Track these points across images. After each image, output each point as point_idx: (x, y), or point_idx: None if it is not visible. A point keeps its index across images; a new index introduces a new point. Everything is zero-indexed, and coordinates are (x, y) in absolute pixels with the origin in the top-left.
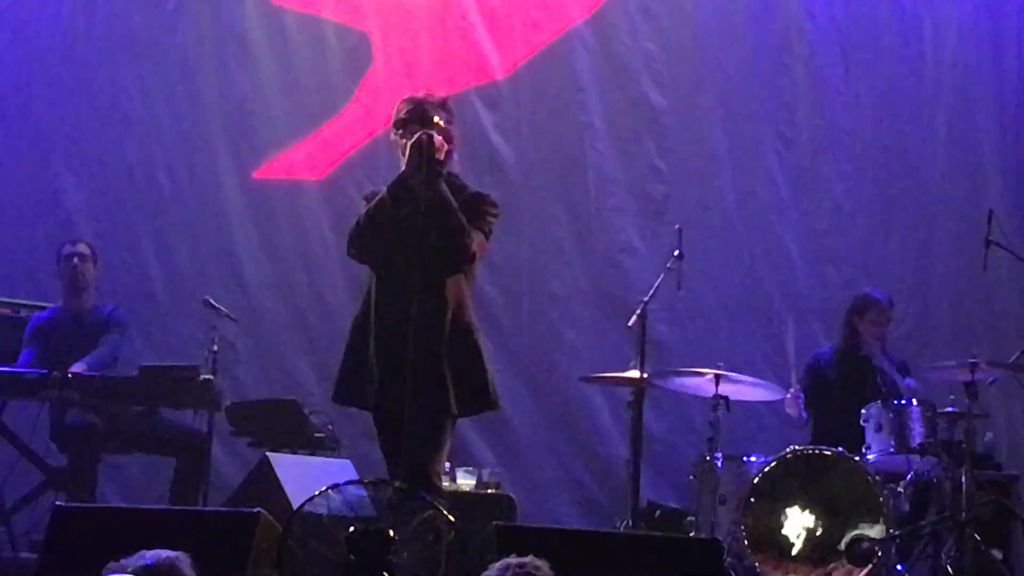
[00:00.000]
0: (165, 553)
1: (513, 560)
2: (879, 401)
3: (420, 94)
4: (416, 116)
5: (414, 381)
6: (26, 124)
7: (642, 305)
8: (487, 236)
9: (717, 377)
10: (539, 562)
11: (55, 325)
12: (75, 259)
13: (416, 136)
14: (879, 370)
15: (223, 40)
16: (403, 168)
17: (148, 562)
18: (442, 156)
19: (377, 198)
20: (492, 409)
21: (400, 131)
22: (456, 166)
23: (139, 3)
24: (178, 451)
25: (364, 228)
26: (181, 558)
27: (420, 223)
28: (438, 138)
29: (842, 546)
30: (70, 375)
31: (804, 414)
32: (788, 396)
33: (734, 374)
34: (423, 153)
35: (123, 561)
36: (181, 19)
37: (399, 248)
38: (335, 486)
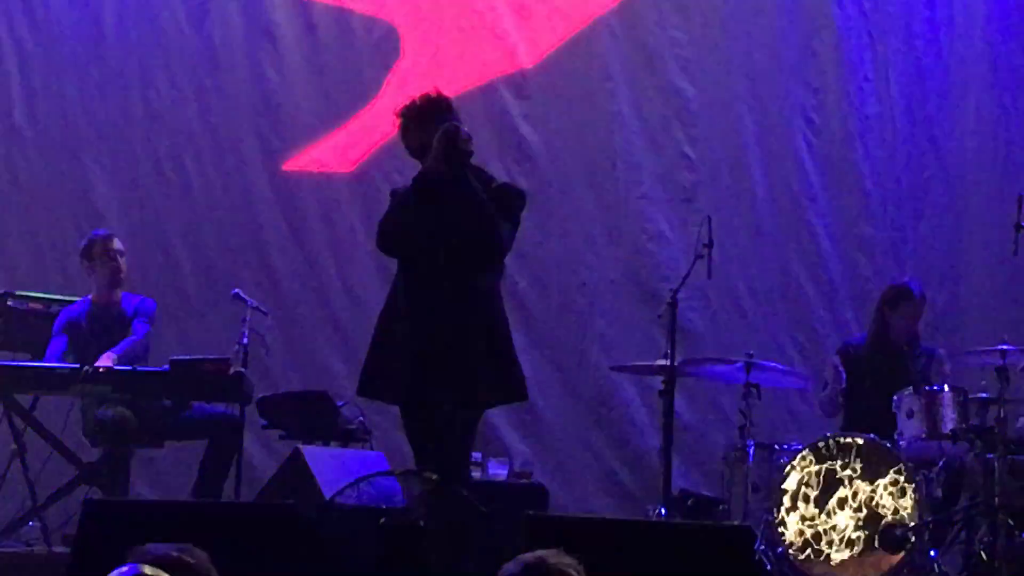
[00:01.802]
0: (176, 547)
1: (529, 557)
2: (910, 387)
3: (419, 99)
4: (423, 122)
5: (444, 373)
6: (56, 120)
7: (672, 294)
8: (515, 227)
9: (748, 365)
10: (565, 558)
11: (85, 318)
12: (118, 257)
13: (443, 128)
14: (910, 357)
15: (251, 34)
16: (430, 160)
17: (160, 553)
18: (469, 147)
19: (404, 191)
20: (521, 401)
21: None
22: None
23: None
24: (211, 433)
25: (392, 222)
26: (198, 552)
27: (448, 215)
28: (464, 129)
29: (875, 533)
30: (101, 370)
31: (843, 381)
32: (828, 368)
33: (765, 362)
34: (450, 144)
35: (140, 553)
36: (209, 13)
37: (428, 241)
38: (366, 478)
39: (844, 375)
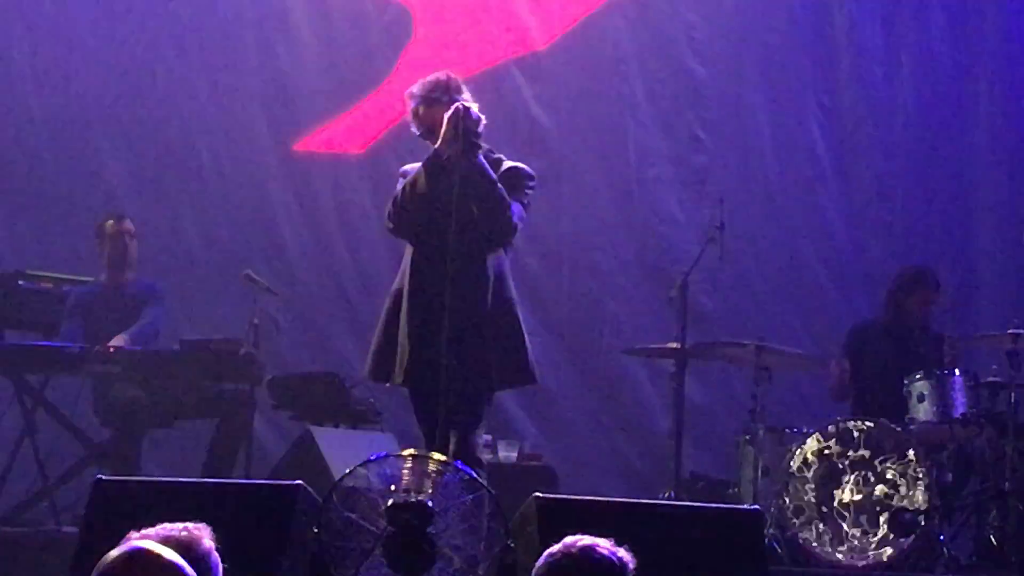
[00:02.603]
0: (184, 525)
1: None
2: (921, 372)
3: (429, 80)
4: (431, 103)
5: (454, 355)
6: (67, 100)
7: (683, 276)
8: (525, 209)
9: (759, 348)
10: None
11: (96, 300)
12: (126, 237)
13: (452, 108)
14: (921, 342)
15: (263, 14)
16: (439, 141)
17: (167, 533)
18: (478, 128)
19: (414, 172)
20: (531, 383)
21: (418, 122)
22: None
23: None
24: (222, 412)
25: (402, 203)
26: (202, 529)
27: (458, 196)
28: (474, 110)
29: (885, 517)
30: (112, 350)
31: (847, 373)
32: (833, 365)
33: (776, 345)
34: (459, 124)
35: (144, 531)
36: None
37: (438, 222)
38: (375, 458)
39: (848, 369)
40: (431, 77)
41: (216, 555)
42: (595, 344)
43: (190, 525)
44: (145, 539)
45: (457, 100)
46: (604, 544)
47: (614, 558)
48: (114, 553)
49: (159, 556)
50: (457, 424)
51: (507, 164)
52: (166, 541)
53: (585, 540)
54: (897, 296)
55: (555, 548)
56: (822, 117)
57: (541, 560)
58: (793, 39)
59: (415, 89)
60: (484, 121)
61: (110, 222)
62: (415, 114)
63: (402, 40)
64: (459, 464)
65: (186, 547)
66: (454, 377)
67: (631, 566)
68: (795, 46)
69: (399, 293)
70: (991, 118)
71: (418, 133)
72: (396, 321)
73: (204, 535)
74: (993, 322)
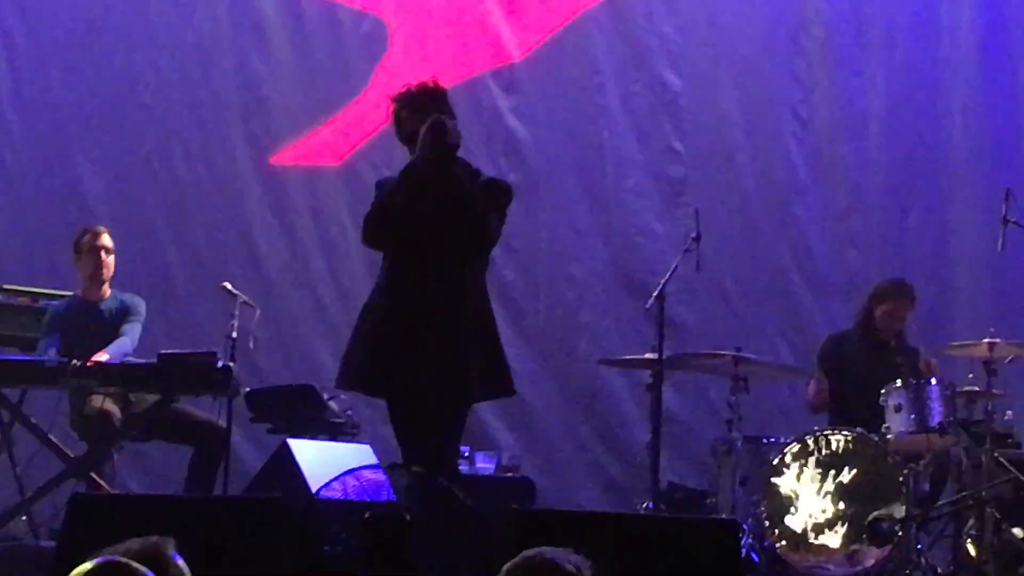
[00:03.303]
0: (150, 538)
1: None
2: (898, 381)
3: (414, 86)
4: (415, 109)
5: (432, 367)
6: (43, 112)
7: (660, 287)
8: (501, 221)
9: (736, 359)
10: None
11: (74, 314)
12: (102, 253)
13: (429, 120)
14: (897, 352)
15: (239, 26)
16: (415, 153)
17: (128, 547)
18: (456, 140)
19: (391, 184)
20: (509, 395)
21: (400, 128)
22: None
23: None
24: (197, 441)
25: (378, 215)
26: (165, 541)
27: (435, 208)
28: (451, 122)
29: (862, 527)
30: (89, 364)
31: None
32: (811, 384)
33: (753, 355)
34: (437, 137)
35: (108, 549)
36: (197, 5)
37: (415, 235)
38: (353, 471)
39: (826, 387)
40: (417, 83)
41: (182, 562)
42: (572, 355)
43: (152, 537)
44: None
45: (441, 109)
46: (562, 553)
47: (572, 567)
48: (85, 566)
49: (128, 567)
50: (435, 436)
51: (484, 177)
52: (128, 555)
53: (545, 551)
54: (868, 306)
55: (514, 561)
56: (798, 128)
57: (501, 574)
58: (769, 50)
59: (399, 95)
60: (461, 135)
61: (86, 236)
62: (397, 119)
63: (378, 52)
64: (437, 476)
65: (152, 559)
66: (432, 389)
67: (589, 574)
68: (771, 57)
69: (375, 304)
70: (966, 127)
71: (400, 139)
72: (373, 332)
73: (167, 545)
74: (969, 331)
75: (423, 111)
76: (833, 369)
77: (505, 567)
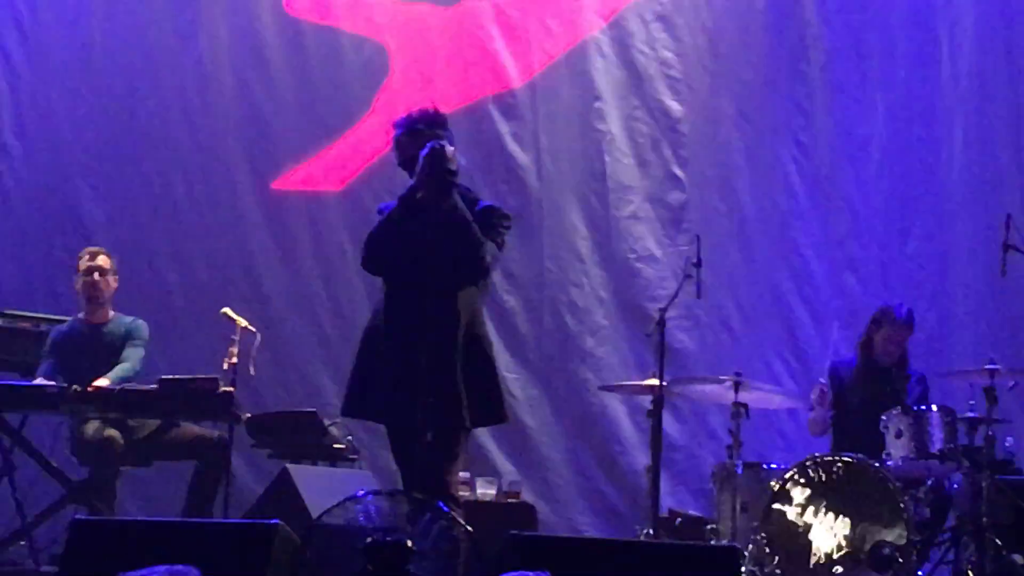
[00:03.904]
0: (176, 568)
1: None
2: (898, 408)
3: (415, 112)
4: (415, 134)
5: (428, 393)
6: (44, 137)
7: (661, 313)
8: (500, 248)
9: (736, 384)
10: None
11: (74, 338)
12: (95, 274)
13: (428, 146)
14: (898, 378)
15: (240, 52)
16: (414, 179)
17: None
18: (454, 167)
19: (389, 211)
20: (502, 422)
21: (401, 153)
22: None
23: (156, 16)
24: (198, 455)
25: (377, 241)
26: (192, 573)
27: (434, 235)
28: (450, 148)
29: (863, 552)
30: (90, 389)
31: (830, 414)
32: (815, 390)
33: (753, 381)
34: (435, 163)
35: (133, 573)
36: (198, 31)
37: (413, 260)
38: (353, 497)
39: (831, 397)
40: (418, 109)
41: None
42: (573, 381)
43: (179, 567)
44: None
45: (441, 134)
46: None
47: None
48: None
49: None
50: (434, 462)
51: (482, 203)
52: None
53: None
54: (868, 332)
55: None
56: (798, 153)
57: None
58: (769, 76)
59: (400, 119)
60: (462, 161)
61: (83, 258)
62: (398, 144)
63: (379, 78)
64: (438, 503)
65: None
66: (431, 414)
67: None
68: (771, 83)
69: (374, 330)
70: (966, 153)
71: (401, 165)
72: (372, 358)
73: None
74: (970, 358)
75: (423, 136)
76: (834, 395)
77: None
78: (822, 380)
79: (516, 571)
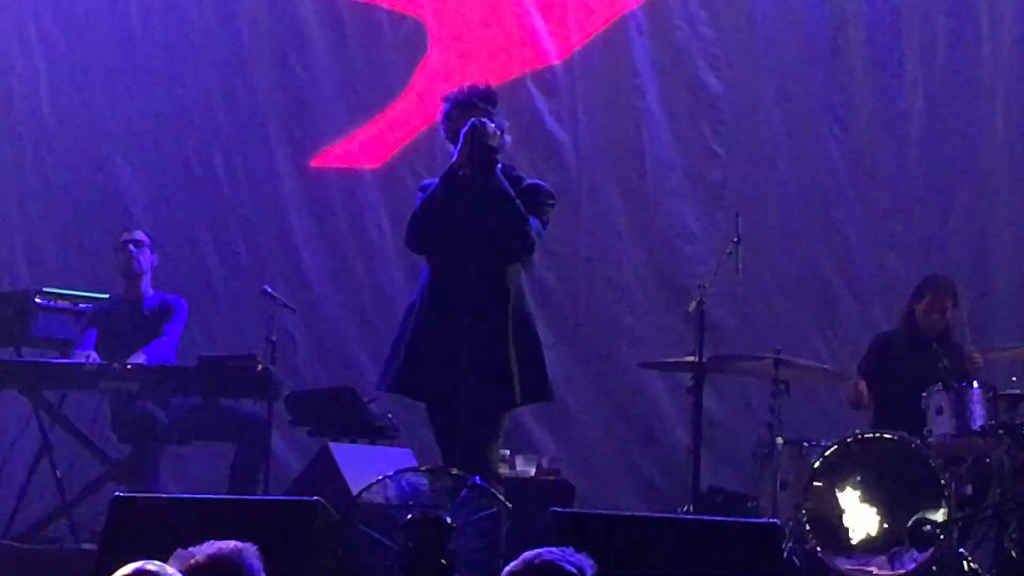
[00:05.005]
0: (232, 544)
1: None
2: (939, 384)
3: (466, 87)
4: (464, 110)
5: (475, 371)
6: (84, 118)
7: (701, 290)
8: (544, 226)
9: (776, 361)
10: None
11: (113, 313)
12: (131, 246)
13: (468, 123)
14: (942, 353)
15: (279, 30)
16: (456, 156)
17: (214, 551)
18: (495, 143)
19: (432, 189)
20: (548, 400)
21: (449, 127)
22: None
23: None
24: (239, 436)
25: (420, 219)
26: (248, 549)
27: (477, 213)
28: (491, 125)
29: (904, 530)
30: (129, 366)
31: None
32: (851, 384)
33: (794, 358)
34: (476, 140)
35: (191, 549)
36: (237, 10)
37: (457, 239)
38: (393, 474)
39: (865, 389)
40: (469, 84)
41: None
42: (612, 358)
43: (237, 543)
44: (184, 556)
45: (491, 111)
46: (563, 552)
47: (573, 568)
48: (120, 573)
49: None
50: (475, 439)
51: (527, 181)
52: (216, 559)
53: (544, 552)
54: (911, 304)
55: (515, 563)
56: (838, 130)
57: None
58: (808, 53)
59: (451, 93)
60: (506, 137)
61: (122, 236)
62: (447, 117)
63: (417, 55)
64: (477, 479)
65: (226, 565)
66: (473, 392)
67: (590, 572)
68: (810, 60)
69: (417, 307)
70: (1007, 130)
71: (446, 137)
72: (413, 335)
73: (250, 555)
74: (1011, 334)
75: (474, 111)
76: (878, 371)
77: (505, 570)
78: (860, 380)
79: (560, 547)
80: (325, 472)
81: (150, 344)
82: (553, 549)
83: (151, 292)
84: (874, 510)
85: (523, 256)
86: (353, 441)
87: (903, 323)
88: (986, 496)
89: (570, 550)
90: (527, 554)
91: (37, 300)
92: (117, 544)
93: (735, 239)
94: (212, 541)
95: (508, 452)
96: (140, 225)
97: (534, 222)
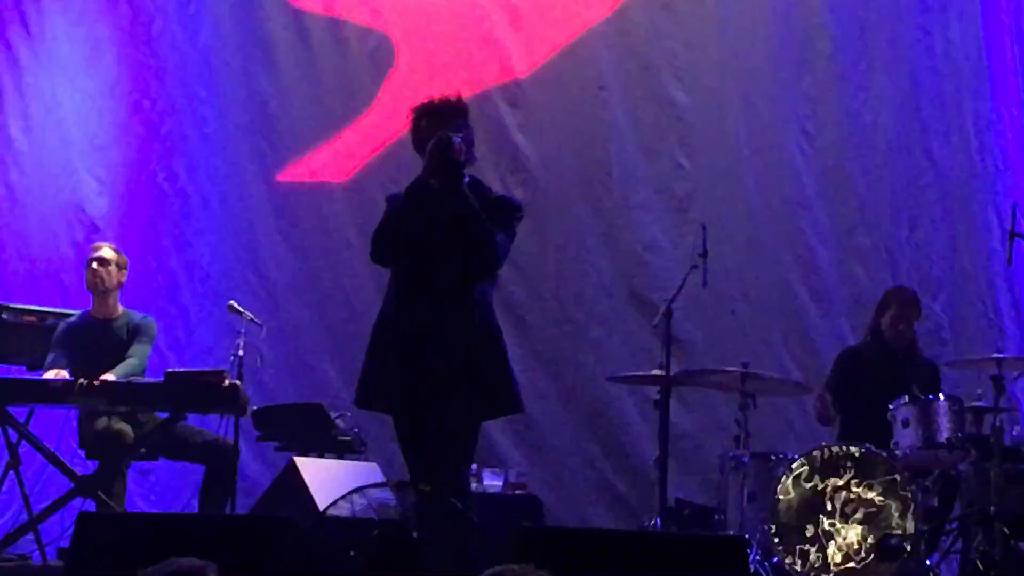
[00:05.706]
0: (193, 561)
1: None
2: (905, 397)
3: (436, 99)
4: (434, 121)
5: (440, 386)
6: (50, 130)
7: (667, 303)
8: (511, 239)
9: (743, 375)
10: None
11: (82, 332)
12: (95, 264)
13: (436, 137)
14: (909, 365)
15: (245, 43)
16: (423, 169)
17: (176, 569)
18: (462, 158)
19: (397, 202)
20: (517, 412)
21: (419, 139)
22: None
23: (161, 7)
24: (206, 459)
25: (386, 233)
26: (209, 567)
27: (443, 228)
28: (457, 139)
29: (871, 542)
30: (97, 382)
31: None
32: (816, 399)
33: (761, 371)
34: (442, 155)
35: (151, 569)
36: (203, 22)
37: (422, 252)
38: (360, 489)
39: (830, 401)
40: (440, 96)
41: None
42: (580, 371)
43: (197, 561)
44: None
45: (461, 123)
46: (525, 569)
47: None
48: None
49: None
50: (443, 454)
51: (494, 193)
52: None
53: (506, 569)
54: (876, 317)
55: None
56: (805, 143)
57: None
58: (775, 66)
59: (420, 106)
60: (474, 151)
61: (89, 251)
62: (416, 128)
63: (384, 68)
64: (444, 494)
65: None
66: (440, 407)
67: None
68: (777, 73)
69: (384, 321)
70: (972, 142)
71: (417, 150)
72: (380, 349)
73: (211, 573)
74: (977, 347)
75: (441, 125)
76: (844, 384)
77: None
78: (824, 394)
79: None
80: (291, 487)
81: (118, 367)
82: (515, 566)
83: (120, 310)
84: (841, 523)
85: (487, 271)
86: (321, 455)
87: (870, 336)
88: (952, 508)
89: (534, 568)
90: (489, 570)
91: (4, 316)
92: (84, 561)
93: (702, 252)
94: (172, 559)
95: (475, 467)
96: (106, 239)
97: (500, 237)
